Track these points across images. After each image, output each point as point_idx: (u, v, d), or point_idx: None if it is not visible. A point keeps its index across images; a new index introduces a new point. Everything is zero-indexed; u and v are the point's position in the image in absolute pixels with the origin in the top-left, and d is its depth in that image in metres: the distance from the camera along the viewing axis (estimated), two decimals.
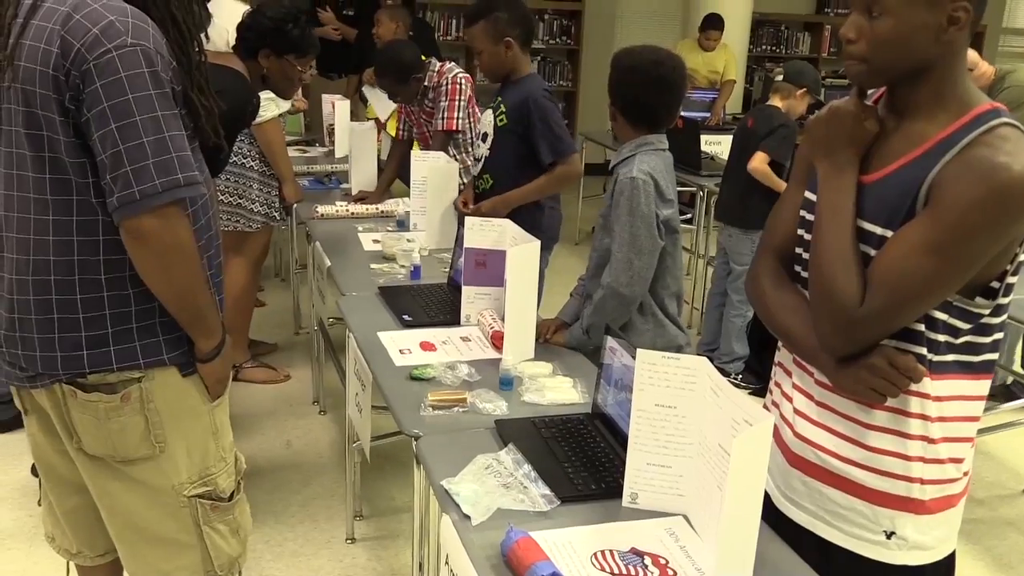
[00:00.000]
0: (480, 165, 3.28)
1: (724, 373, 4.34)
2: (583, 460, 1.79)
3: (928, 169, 1.39)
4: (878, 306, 1.40)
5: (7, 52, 1.59)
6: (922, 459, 1.49)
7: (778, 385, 1.68)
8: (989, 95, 1.56)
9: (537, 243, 2.28)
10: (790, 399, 1.62)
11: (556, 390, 2.12)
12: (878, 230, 1.45)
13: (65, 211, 1.62)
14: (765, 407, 1.73)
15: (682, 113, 4.66)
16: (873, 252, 1.45)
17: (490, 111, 3.24)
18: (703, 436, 1.51)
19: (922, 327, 1.44)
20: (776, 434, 1.65)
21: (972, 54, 2.84)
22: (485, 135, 3.25)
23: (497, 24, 3.08)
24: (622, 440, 1.76)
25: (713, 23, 7.10)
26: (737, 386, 4.32)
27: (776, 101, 4.31)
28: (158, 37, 1.61)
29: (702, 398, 1.52)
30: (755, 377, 4.43)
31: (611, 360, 1.89)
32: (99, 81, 1.53)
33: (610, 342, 1.90)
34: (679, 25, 8.54)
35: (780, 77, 4.36)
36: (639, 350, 1.58)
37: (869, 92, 1.58)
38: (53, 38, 1.55)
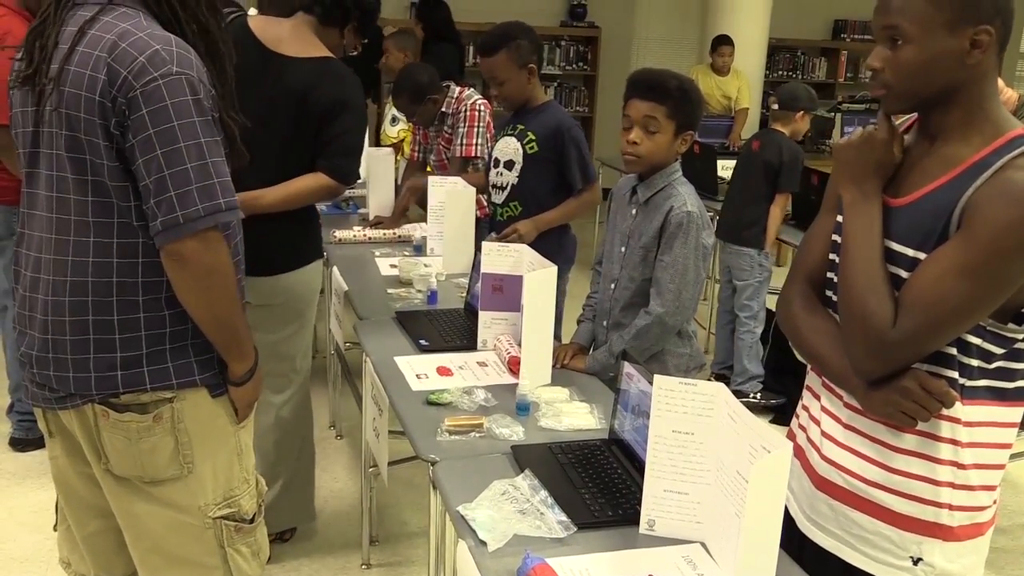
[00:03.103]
0: (506, 193, 3.27)
1: (742, 395, 4.35)
2: (600, 486, 1.78)
3: (962, 191, 1.39)
4: (911, 328, 1.39)
5: (51, 77, 1.62)
6: (951, 484, 1.47)
7: (806, 408, 1.67)
8: None
9: (554, 268, 2.28)
10: (818, 422, 1.61)
11: (573, 415, 2.12)
12: (910, 252, 1.44)
13: (106, 233, 1.65)
14: (791, 430, 1.72)
15: (699, 139, 4.68)
16: (904, 274, 1.44)
17: (512, 139, 3.24)
18: (721, 462, 1.50)
19: (954, 351, 1.43)
20: (802, 457, 1.65)
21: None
22: (511, 163, 3.24)
23: (520, 51, 3.11)
24: (639, 466, 1.75)
25: (723, 40, 7.14)
26: (756, 403, 4.35)
27: (779, 127, 4.38)
28: (200, 65, 1.65)
29: (720, 424, 1.51)
30: (774, 394, 4.44)
31: (628, 386, 1.89)
32: (145, 108, 1.57)
33: (627, 368, 1.89)
34: (695, 50, 8.58)
35: (775, 106, 4.45)
36: (656, 376, 1.58)
37: (902, 118, 1.58)
38: (100, 65, 1.59)
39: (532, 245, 2.39)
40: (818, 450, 1.60)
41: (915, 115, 1.55)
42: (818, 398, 1.62)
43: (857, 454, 1.53)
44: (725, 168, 5.35)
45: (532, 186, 3.22)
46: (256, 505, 1.90)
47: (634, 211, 2.47)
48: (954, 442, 1.46)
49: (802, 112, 4.35)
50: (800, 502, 1.65)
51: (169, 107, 1.58)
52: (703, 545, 1.59)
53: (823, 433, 1.59)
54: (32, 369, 1.74)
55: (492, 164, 3.34)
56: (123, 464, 1.74)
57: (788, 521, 1.62)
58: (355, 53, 3.00)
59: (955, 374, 1.44)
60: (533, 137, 3.19)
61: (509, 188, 3.26)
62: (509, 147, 3.26)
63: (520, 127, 3.23)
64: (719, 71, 7.20)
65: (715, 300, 5.35)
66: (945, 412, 1.44)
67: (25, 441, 3.66)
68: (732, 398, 1.48)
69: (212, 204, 1.62)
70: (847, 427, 1.55)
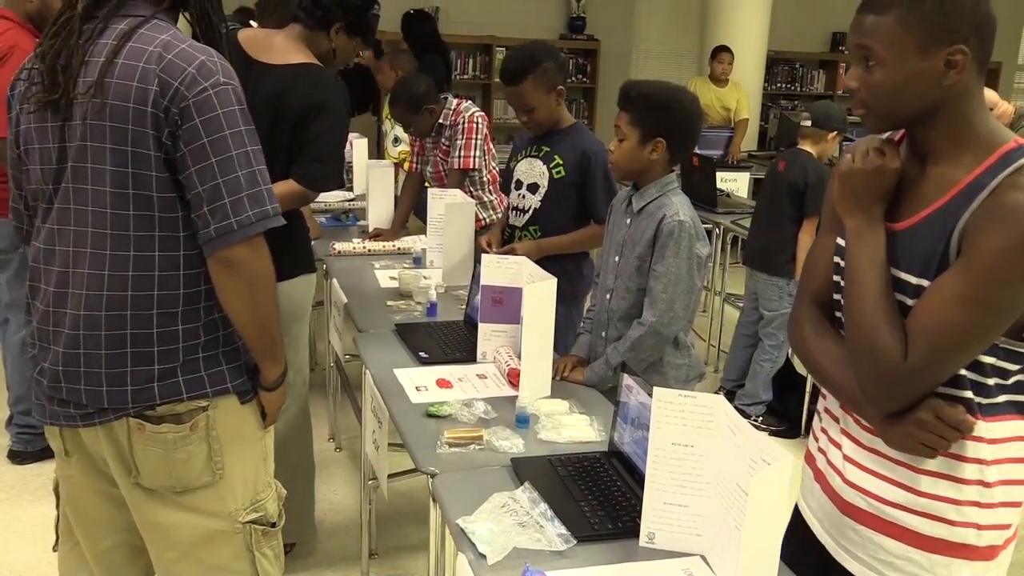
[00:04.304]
0: (527, 216, 3.20)
1: (744, 415, 4.33)
2: (600, 499, 1.78)
3: (957, 216, 1.37)
4: (920, 361, 1.37)
5: (86, 91, 1.62)
6: (977, 504, 1.45)
7: (824, 431, 1.64)
8: None
9: (553, 280, 2.28)
10: (839, 445, 1.58)
11: (573, 428, 2.11)
12: (913, 279, 1.42)
13: (147, 246, 1.66)
14: (810, 452, 1.69)
15: (698, 151, 4.69)
16: (909, 301, 1.42)
17: (537, 161, 3.16)
18: (720, 475, 1.50)
19: (965, 371, 1.41)
20: (824, 482, 1.62)
21: (990, 94, 2.82)
22: (535, 186, 3.17)
23: (548, 75, 3.03)
24: (639, 479, 1.75)
25: (723, 48, 7.17)
26: (757, 427, 4.31)
27: (807, 146, 4.19)
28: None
29: (719, 436, 1.51)
30: (776, 419, 4.40)
31: (627, 398, 1.89)
32: (198, 118, 1.61)
33: (626, 380, 1.89)
34: (694, 62, 8.61)
35: (808, 122, 4.21)
36: (655, 388, 1.57)
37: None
38: (149, 77, 1.60)
39: (552, 271, 2.34)
40: (840, 474, 1.57)
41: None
42: (837, 420, 1.59)
43: (881, 477, 1.50)
44: (724, 180, 5.35)
45: (554, 211, 3.15)
46: (278, 508, 1.92)
47: (628, 220, 2.47)
48: (979, 461, 1.44)
49: (836, 133, 4.16)
50: (827, 528, 1.62)
51: (220, 116, 1.62)
52: (703, 558, 1.59)
53: (845, 457, 1.56)
54: (56, 384, 1.71)
55: (514, 186, 3.25)
56: (156, 476, 1.74)
57: (818, 548, 1.62)
58: (359, 59, 2.93)
59: (969, 394, 1.42)
60: (560, 161, 3.11)
61: (531, 212, 3.19)
62: (535, 170, 3.17)
63: (546, 149, 3.15)
64: (718, 79, 7.22)
65: (714, 313, 5.37)
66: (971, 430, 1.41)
67: (24, 454, 3.65)
68: (731, 410, 1.47)
69: (262, 210, 1.67)
70: (869, 449, 1.52)
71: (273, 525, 1.90)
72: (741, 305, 4.72)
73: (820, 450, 1.64)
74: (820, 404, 1.66)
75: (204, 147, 1.61)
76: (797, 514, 1.72)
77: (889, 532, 1.51)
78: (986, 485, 1.44)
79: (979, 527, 1.46)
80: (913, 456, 1.46)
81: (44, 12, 3.46)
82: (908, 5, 1.36)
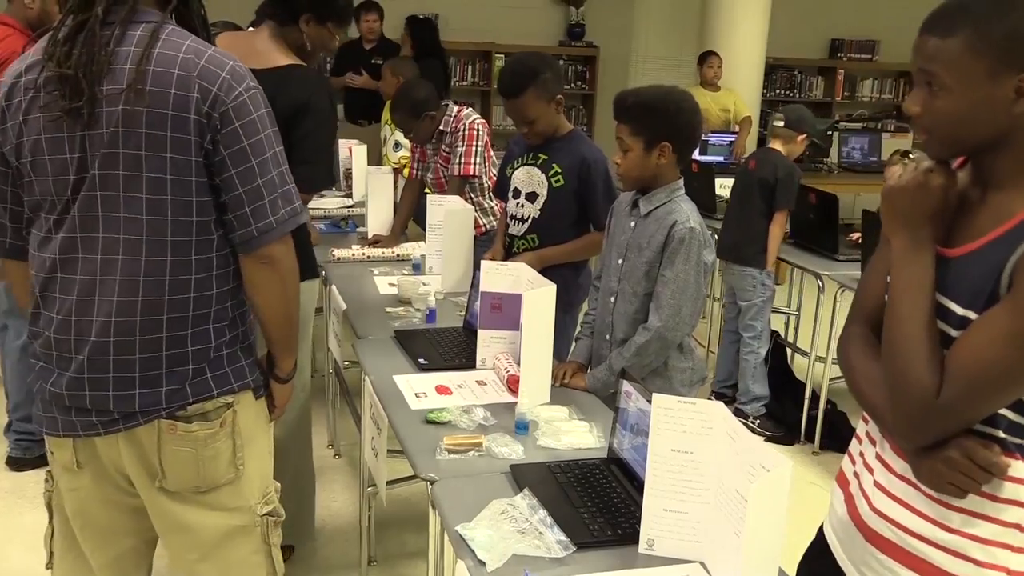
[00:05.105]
0: (526, 225, 3.20)
1: (743, 415, 4.34)
2: (599, 505, 1.78)
3: (1011, 250, 1.29)
4: (954, 399, 1.30)
5: (114, 98, 1.60)
6: (1009, 547, 1.36)
7: (861, 455, 1.55)
8: None
9: (552, 287, 2.28)
10: (871, 471, 1.50)
11: (572, 434, 2.11)
12: (959, 310, 1.35)
13: (184, 251, 1.68)
14: (844, 474, 1.60)
15: (698, 158, 4.70)
16: (953, 332, 1.35)
17: (535, 169, 3.15)
18: (720, 481, 1.50)
19: (1006, 410, 1.33)
20: (852, 506, 1.54)
21: None
22: (533, 195, 3.16)
23: (546, 85, 3.02)
24: (638, 485, 1.75)
25: (710, 53, 7.21)
26: (754, 431, 4.31)
27: (777, 146, 4.38)
28: None
29: (719, 443, 1.51)
30: (773, 423, 4.40)
31: (627, 404, 1.89)
32: (237, 121, 1.65)
33: (625, 386, 1.89)
34: (693, 69, 8.61)
35: (780, 123, 4.42)
36: (655, 395, 1.57)
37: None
38: (190, 83, 1.62)
39: (549, 278, 2.34)
40: (868, 500, 1.50)
41: None
42: (874, 444, 1.52)
43: (910, 508, 1.43)
44: (723, 187, 5.36)
45: (553, 220, 3.13)
46: (278, 499, 1.94)
47: (632, 223, 2.47)
48: (1018, 503, 1.35)
49: (805, 136, 4.35)
50: (849, 552, 1.54)
51: (256, 119, 1.68)
52: (703, 565, 1.59)
53: (875, 483, 1.49)
54: (79, 393, 1.69)
55: (512, 194, 3.25)
56: (183, 476, 1.75)
57: (835, 570, 1.56)
58: (335, 46, 2.91)
59: (1000, 432, 1.34)
60: (559, 170, 3.09)
61: (530, 221, 3.18)
62: (533, 178, 3.16)
63: (544, 157, 3.14)
64: (710, 84, 7.23)
65: (714, 319, 5.37)
66: (1011, 472, 1.34)
67: (23, 460, 3.65)
68: (731, 417, 1.47)
69: (292, 208, 1.74)
70: (901, 477, 1.44)
71: (281, 516, 1.92)
72: None
73: (855, 474, 1.56)
74: (860, 428, 1.58)
75: (244, 150, 1.66)
76: (821, 537, 1.65)
77: (912, 565, 1.43)
78: (1021, 529, 1.36)
79: (1009, 572, 1.37)
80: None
81: (44, 18, 3.47)
82: (976, 28, 1.28)
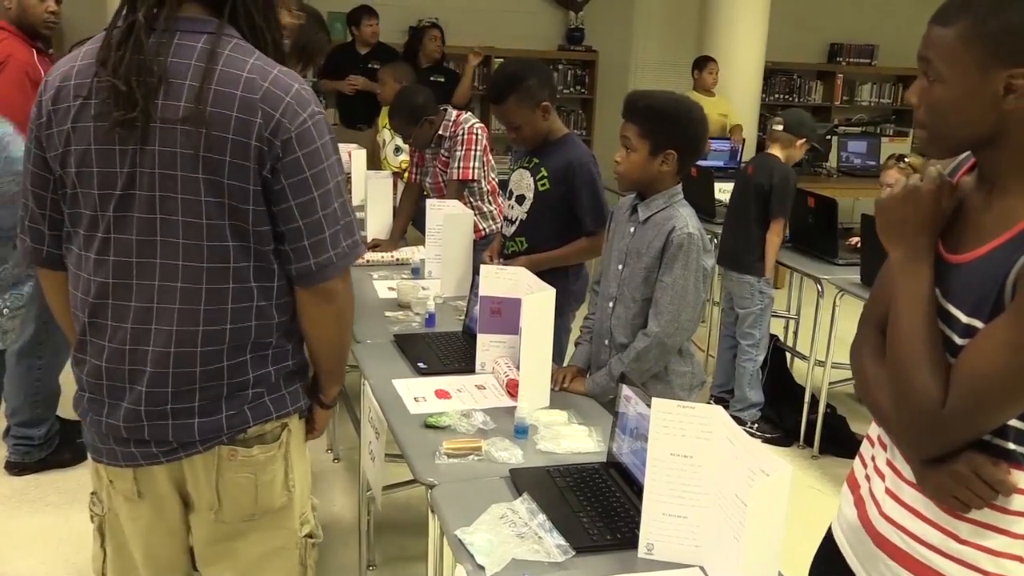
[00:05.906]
0: (515, 227, 3.22)
1: (739, 422, 4.33)
2: (598, 510, 1.78)
3: (1016, 257, 1.27)
4: (959, 409, 1.28)
5: (173, 117, 1.52)
6: (1020, 559, 1.34)
7: (873, 460, 1.54)
8: None
9: (552, 291, 2.28)
10: (882, 476, 1.49)
11: (571, 439, 2.11)
12: (963, 317, 1.33)
13: (245, 278, 1.60)
14: (855, 478, 1.59)
15: (698, 162, 4.69)
16: (958, 339, 1.33)
17: (526, 172, 3.17)
18: (719, 486, 1.50)
19: (1016, 421, 1.30)
20: (862, 510, 1.53)
21: None
22: (522, 197, 3.18)
23: (530, 92, 3.03)
24: (638, 490, 1.75)
25: (707, 58, 7.20)
26: (752, 435, 4.31)
27: (775, 150, 4.35)
28: None
29: (718, 447, 1.51)
30: (771, 426, 4.40)
31: (626, 409, 1.89)
32: (300, 151, 1.55)
33: (625, 390, 1.89)
34: (691, 73, 8.62)
35: (780, 127, 4.39)
36: (654, 399, 1.58)
37: (955, 160, 1.47)
38: (253, 107, 1.52)
39: (545, 281, 2.36)
40: (879, 506, 1.47)
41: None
42: (885, 448, 1.50)
43: (919, 515, 1.40)
44: (722, 191, 5.37)
45: (539, 223, 3.15)
46: (314, 518, 1.89)
47: (632, 229, 2.47)
48: None
49: (804, 140, 4.32)
50: (859, 557, 1.53)
51: (319, 148, 1.58)
52: (702, 569, 1.59)
53: (886, 489, 1.47)
54: (136, 424, 1.62)
55: (507, 196, 3.30)
56: (240, 504, 1.70)
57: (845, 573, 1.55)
58: (286, 29, 2.88)
59: (1011, 444, 1.31)
60: (545, 173, 3.11)
61: (518, 223, 3.21)
62: (523, 181, 3.19)
63: (535, 161, 3.16)
64: (709, 90, 7.24)
65: (713, 323, 5.37)
66: (1018, 484, 1.32)
67: (22, 465, 3.64)
68: (730, 421, 1.47)
69: (353, 240, 1.66)
70: (911, 484, 1.42)
71: (319, 537, 1.88)
72: None
73: (866, 477, 1.55)
74: (872, 430, 1.56)
75: (306, 181, 1.56)
76: (831, 540, 1.63)
77: (921, 573, 1.41)
78: None
79: None
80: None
81: (23, 16, 3.47)
82: (975, 20, 1.28)
